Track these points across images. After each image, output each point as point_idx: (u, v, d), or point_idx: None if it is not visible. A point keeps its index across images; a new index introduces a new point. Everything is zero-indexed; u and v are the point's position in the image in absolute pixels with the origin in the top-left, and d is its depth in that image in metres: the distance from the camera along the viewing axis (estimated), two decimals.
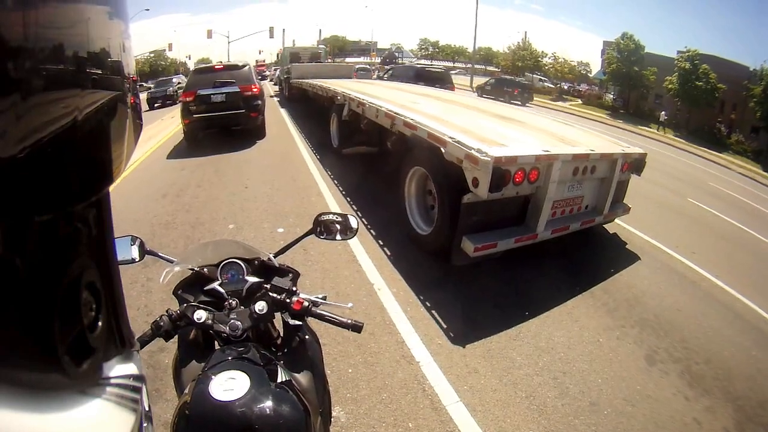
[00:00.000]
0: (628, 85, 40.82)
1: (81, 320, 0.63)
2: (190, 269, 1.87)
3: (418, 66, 25.36)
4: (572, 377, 3.84)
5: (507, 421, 3.33)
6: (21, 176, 0.45)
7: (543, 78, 54.47)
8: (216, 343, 1.72)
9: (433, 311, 4.45)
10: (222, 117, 11.29)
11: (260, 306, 1.63)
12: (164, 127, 15.87)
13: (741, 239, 9.61)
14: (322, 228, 2.11)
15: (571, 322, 4.62)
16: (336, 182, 8.31)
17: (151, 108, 25.74)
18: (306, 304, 1.68)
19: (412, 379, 3.58)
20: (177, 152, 11.43)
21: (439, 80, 19.85)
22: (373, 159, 9.30)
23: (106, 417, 0.66)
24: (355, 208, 6.98)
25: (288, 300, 1.69)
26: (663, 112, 35.35)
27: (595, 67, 54.28)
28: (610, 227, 7.09)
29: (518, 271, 5.33)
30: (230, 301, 1.68)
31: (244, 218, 6.58)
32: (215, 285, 1.78)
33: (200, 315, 1.59)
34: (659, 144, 26.09)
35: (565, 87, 52.12)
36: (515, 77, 45.62)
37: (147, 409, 0.86)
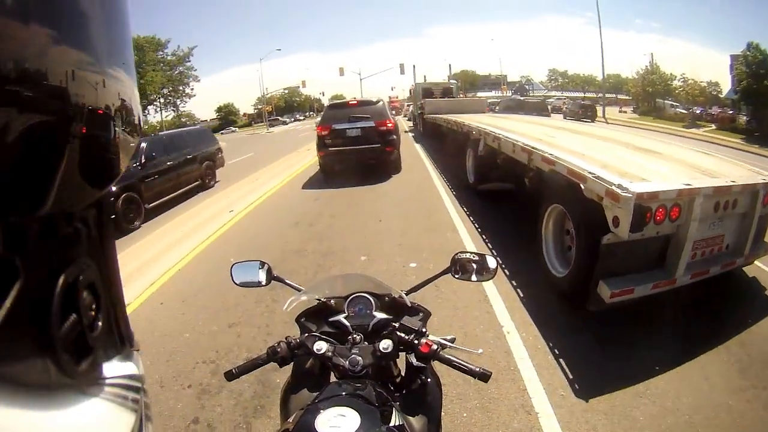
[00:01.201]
0: (762, 103, 35.56)
1: (81, 320, 0.63)
2: (317, 299, 1.88)
3: (519, 98, 27.03)
4: None
5: None
6: (18, 175, 0.47)
7: (674, 103, 51.09)
8: (332, 375, 1.69)
9: (561, 359, 4.24)
10: (357, 151, 11.67)
11: (385, 344, 1.61)
12: (299, 159, 16.76)
13: None
14: (459, 267, 2.04)
15: (701, 380, 4.17)
16: (471, 219, 8.24)
17: None
18: (434, 347, 1.62)
19: (528, 430, 3.42)
20: (312, 183, 12.05)
21: (536, 109, 22.16)
22: (509, 196, 9.16)
23: (106, 417, 0.66)
24: (490, 246, 6.87)
25: (416, 341, 1.64)
26: None
27: (726, 85, 49.40)
28: (748, 270, 6.29)
29: (653, 319, 4.94)
30: (354, 335, 1.67)
31: (377, 251, 6.69)
32: (340, 317, 1.78)
33: (320, 346, 1.60)
34: None
35: (698, 111, 47.97)
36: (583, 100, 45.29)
37: (147, 408, 0.85)
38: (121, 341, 0.79)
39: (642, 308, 4.83)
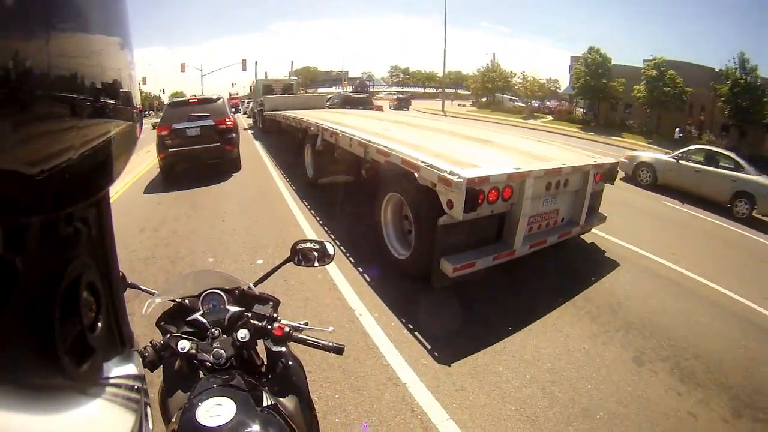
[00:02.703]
0: (598, 98, 41.17)
1: (81, 320, 0.64)
2: (172, 300, 1.87)
3: (345, 94, 29.62)
4: (561, 386, 3.87)
5: None
6: (19, 175, 0.45)
7: (513, 98, 55.35)
8: (201, 372, 1.71)
9: (417, 333, 4.45)
10: (197, 150, 11.25)
11: (242, 334, 1.66)
12: (139, 162, 15.77)
13: (720, 235, 9.88)
14: (300, 256, 2.13)
15: (555, 333, 4.65)
16: (313, 212, 8.31)
17: None
18: (287, 329, 1.69)
19: (400, 400, 3.57)
20: (153, 187, 11.34)
21: (362, 103, 22.58)
22: (348, 187, 9.34)
23: (106, 417, 0.66)
24: (333, 237, 6.99)
25: (269, 326, 1.70)
26: (677, 129, 33.57)
27: (564, 83, 55.36)
28: (587, 237, 7.19)
29: (499, 287, 5.37)
30: (213, 330, 1.70)
31: (223, 251, 6.55)
32: (197, 315, 1.78)
33: (184, 345, 1.60)
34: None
35: (536, 105, 52.88)
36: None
37: (148, 408, 0.87)
38: (121, 341, 0.79)
39: (488, 279, 5.24)
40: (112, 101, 0.56)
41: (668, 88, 35.46)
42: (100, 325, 0.70)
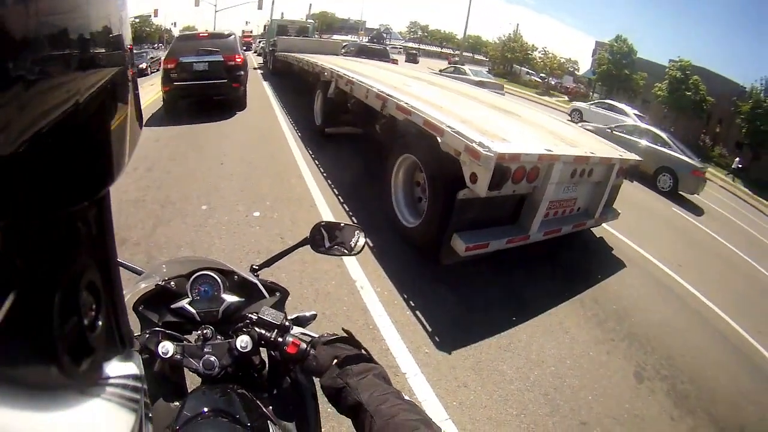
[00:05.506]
0: (617, 87, 41.44)
1: (81, 320, 0.62)
2: (156, 284, 1.49)
3: (361, 43, 29.71)
4: (563, 393, 3.71)
5: None
6: (19, 174, 0.42)
7: (530, 72, 55.53)
8: (186, 370, 1.37)
9: (419, 313, 4.20)
10: (203, 86, 11.09)
11: (243, 342, 1.26)
12: (143, 95, 15.34)
13: (726, 256, 9.57)
14: (319, 239, 1.71)
15: (561, 333, 4.49)
16: (317, 163, 7.97)
17: None
18: (303, 346, 1.25)
19: None
20: (153, 121, 10.86)
21: (378, 54, 21.99)
22: (357, 141, 8.99)
23: (106, 417, 0.65)
24: (336, 193, 6.66)
25: (280, 339, 1.28)
26: (737, 159, 31.92)
27: (584, 66, 56.52)
28: (596, 230, 6.97)
29: (506, 272, 5.15)
30: (204, 330, 1.31)
31: (218, 199, 6.14)
32: (184, 303, 1.42)
33: (166, 348, 1.24)
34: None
35: (552, 82, 53.05)
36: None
37: (148, 408, 0.83)
38: (121, 341, 0.77)
39: (495, 262, 5.02)
40: (102, 50, 0.51)
41: (690, 93, 35.68)
42: (100, 324, 0.68)
